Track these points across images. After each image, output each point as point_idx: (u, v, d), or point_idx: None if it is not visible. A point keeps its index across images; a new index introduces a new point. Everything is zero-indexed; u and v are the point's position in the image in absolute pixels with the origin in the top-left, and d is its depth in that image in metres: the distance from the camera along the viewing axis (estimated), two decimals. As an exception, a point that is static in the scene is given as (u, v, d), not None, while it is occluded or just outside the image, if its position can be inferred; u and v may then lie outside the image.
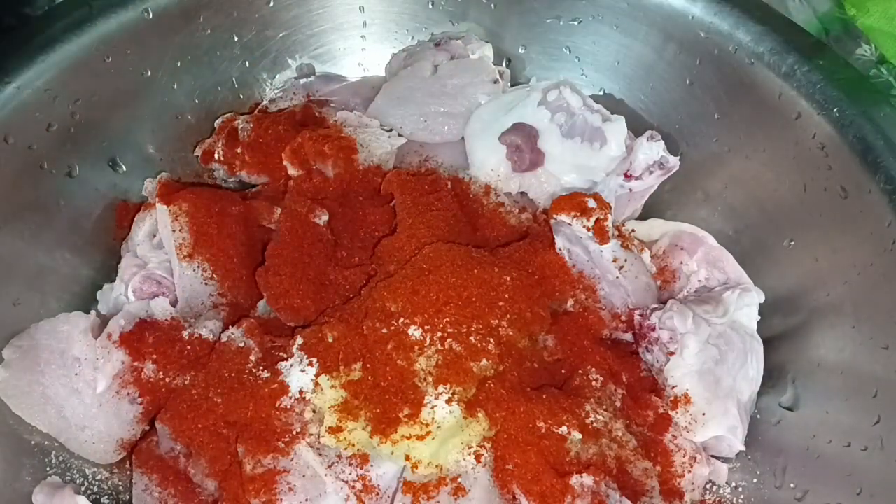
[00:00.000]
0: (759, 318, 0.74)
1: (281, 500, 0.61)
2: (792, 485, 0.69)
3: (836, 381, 0.68)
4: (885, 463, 0.62)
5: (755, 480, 0.71)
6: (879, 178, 0.65)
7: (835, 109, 0.69)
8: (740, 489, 0.72)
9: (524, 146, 0.80)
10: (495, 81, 0.86)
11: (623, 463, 0.64)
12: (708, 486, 0.71)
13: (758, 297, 0.74)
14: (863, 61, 0.88)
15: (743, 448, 0.71)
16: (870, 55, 0.88)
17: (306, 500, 0.62)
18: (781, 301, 0.74)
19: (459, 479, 0.61)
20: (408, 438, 0.64)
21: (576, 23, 0.84)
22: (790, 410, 0.72)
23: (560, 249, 0.74)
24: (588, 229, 0.75)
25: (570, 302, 0.74)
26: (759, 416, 0.73)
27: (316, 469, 0.62)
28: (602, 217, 0.75)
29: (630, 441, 0.65)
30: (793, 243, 0.74)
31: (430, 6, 0.89)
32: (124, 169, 0.81)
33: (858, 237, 0.68)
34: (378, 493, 0.62)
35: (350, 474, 0.63)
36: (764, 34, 0.74)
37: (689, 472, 0.68)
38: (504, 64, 0.89)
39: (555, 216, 0.75)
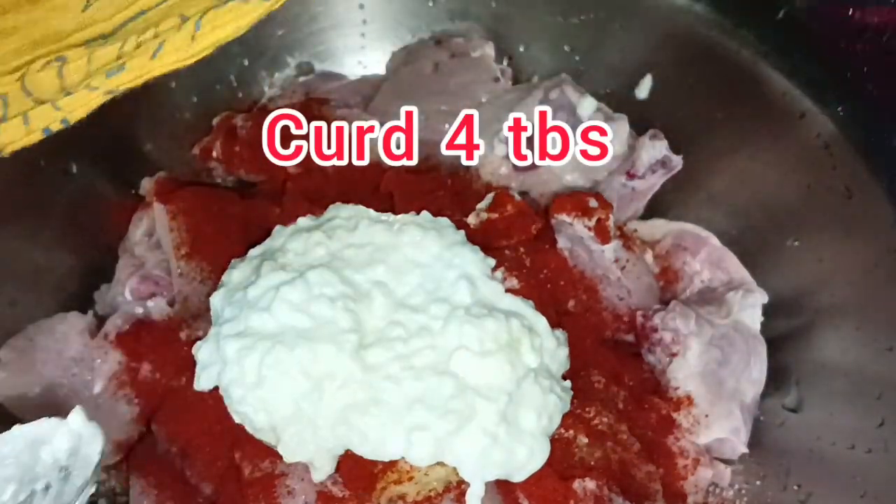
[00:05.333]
0: (762, 319, 0.74)
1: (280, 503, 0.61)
2: (795, 487, 0.68)
3: (840, 383, 0.68)
4: (888, 465, 0.62)
5: (759, 482, 0.71)
6: (883, 178, 0.65)
7: (839, 109, 0.68)
8: (743, 491, 0.71)
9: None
10: (497, 80, 0.85)
11: (627, 466, 0.64)
12: (711, 489, 0.71)
13: (761, 297, 0.74)
14: (866, 60, 0.87)
15: (746, 450, 0.70)
16: (873, 54, 0.87)
17: (305, 502, 0.61)
18: (785, 302, 0.74)
19: (463, 486, 0.61)
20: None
21: (577, 21, 0.84)
22: (794, 412, 0.71)
23: (561, 249, 0.73)
24: (590, 229, 0.74)
25: (572, 302, 0.73)
26: (762, 418, 0.73)
27: (314, 473, 0.61)
28: (604, 217, 0.74)
29: (634, 444, 0.65)
30: (796, 244, 0.73)
31: (431, 4, 0.89)
32: (122, 167, 0.81)
33: (862, 238, 0.67)
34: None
35: (349, 478, 0.62)
36: (767, 32, 0.73)
37: (693, 474, 0.68)
38: (505, 62, 0.89)
39: (556, 216, 0.75)
